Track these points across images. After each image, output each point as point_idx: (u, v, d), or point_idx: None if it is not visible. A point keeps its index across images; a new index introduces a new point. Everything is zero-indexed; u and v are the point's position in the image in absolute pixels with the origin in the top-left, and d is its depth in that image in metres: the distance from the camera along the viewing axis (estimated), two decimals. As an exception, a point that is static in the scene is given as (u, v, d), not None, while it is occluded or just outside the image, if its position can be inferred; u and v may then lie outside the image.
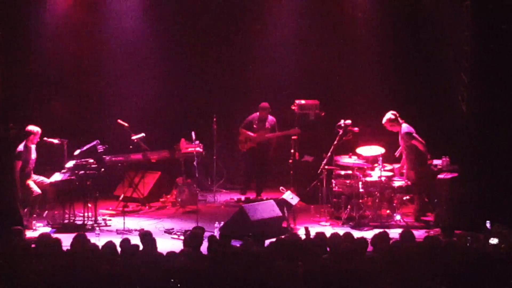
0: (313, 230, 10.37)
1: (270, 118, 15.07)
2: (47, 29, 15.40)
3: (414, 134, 12.94)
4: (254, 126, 15.04)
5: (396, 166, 13.28)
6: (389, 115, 13.07)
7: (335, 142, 13.40)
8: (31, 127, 12.99)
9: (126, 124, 14.51)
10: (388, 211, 12.85)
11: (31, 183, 12.89)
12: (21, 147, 12.82)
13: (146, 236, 9.15)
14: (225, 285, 7.68)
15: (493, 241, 9.23)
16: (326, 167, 13.33)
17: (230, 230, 11.54)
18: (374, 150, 13.09)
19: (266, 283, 7.61)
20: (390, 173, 13.00)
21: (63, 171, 13.09)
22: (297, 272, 7.74)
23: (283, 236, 9.59)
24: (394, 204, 12.81)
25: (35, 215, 12.68)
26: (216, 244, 8.83)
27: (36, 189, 12.86)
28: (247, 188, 15.39)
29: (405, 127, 13.01)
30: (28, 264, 8.15)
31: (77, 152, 13.10)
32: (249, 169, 15.41)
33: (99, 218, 13.17)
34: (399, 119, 13.05)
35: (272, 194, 14.57)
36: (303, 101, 15.33)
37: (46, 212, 13.07)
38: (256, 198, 14.85)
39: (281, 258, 8.07)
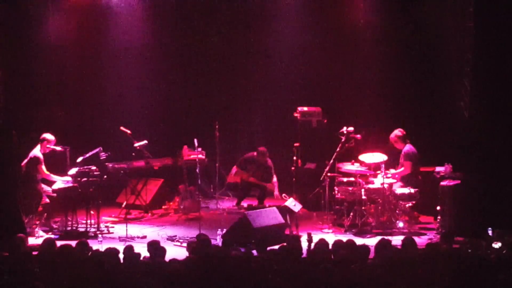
0: (316, 237, 10.36)
1: (269, 163, 15.04)
2: (49, 37, 15.45)
3: (411, 159, 12.95)
4: (248, 167, 15.02)
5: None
6: (397, 131, 13.13)
7: (338, 149, 13.39)
8: (46, 135, 13.05)
9: (128, 131, 14.52)
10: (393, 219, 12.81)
11: (40, 191, 12.93)
12: (37, 152, 12.86)
13: (155, 245, 9.14)
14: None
15: (496, 244, 9.22)
16: (328, 174, 13.33)
17: (233, 237, 11.54)
18: (376, 157, 13.08)
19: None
20: (393, 180, 13.00)
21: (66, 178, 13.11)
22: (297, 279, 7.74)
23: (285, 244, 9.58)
24: (397, 211, 12.79)
25: (37, 222, 12.68)
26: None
27: (45, 198, 12.89)
28: (242, 198, 15.32)
29: (408, 147, 13.04)
30: (32, 271, 8.16)
31: (79, 159, 13.12)
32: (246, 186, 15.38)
33: (102, 225, 13.16)
34: (405, 138, 13.08)
35: (274, 201, 14.57)
36: (305, 108, 15.33)
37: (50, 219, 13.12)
38: (258, 205, 14.82)
39: (281, 264, 8.08)
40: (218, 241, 11.64)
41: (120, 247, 9.23)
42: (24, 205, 12.53)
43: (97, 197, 13.06)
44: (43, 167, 12.85)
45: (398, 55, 15.40)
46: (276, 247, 9.25)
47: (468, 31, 12.51)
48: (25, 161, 12.91)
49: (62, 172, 13.24)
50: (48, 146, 13.08)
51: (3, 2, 13.16)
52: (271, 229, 11.98)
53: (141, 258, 8.86)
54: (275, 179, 15.07)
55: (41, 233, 12.56)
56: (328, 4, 16.19)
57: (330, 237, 11.73)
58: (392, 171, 13.09)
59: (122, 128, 14.57)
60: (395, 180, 13.00)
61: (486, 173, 12.01)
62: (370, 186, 12.95)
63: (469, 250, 8.91)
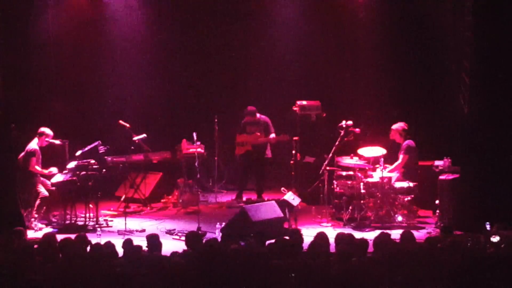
0: (315, 231, 10.36)
1: (263, 118, 15.01)
2: (49, 30, 15.44)
3: (409, 152, 12.98)
4: (247, 129, 14.98)
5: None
6: (403, 124, 13.15)
7: (337, 143, 13.41)
8: (45, 129, 13.07)
9: (127, 125, 14.54)
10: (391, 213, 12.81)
11: (39, 185, 12.95)
12: (34, 145, 12.90)
13: (153, 239, 9.15)
14: (223, 286, 7.70)
15: (495, 238, 9.22)
16: (327, 168, 13.33)
17: (232, 231, 11.55)
18: (375, 151, 13.10)
19: (264, 283, 7.64)
20: (392, 174, 13.01)
21: (65, 171, 13.12)
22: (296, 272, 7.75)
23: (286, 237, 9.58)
24: (396, 205, 12.79)
25: (36, 216, 12.69)
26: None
27: (44, 191, 12.91)
28: (243, 190, 15.32)
29: (409, 141, 13.08)
30: (31, 265, 8.16)
31: (78, 152, 13.12)
32: (247, 172, 15.33)
33: (101, 219, 13.17)
34: (408, 133, 13.11)
35: (273, 195, 14.58)
36: (304, 102, 15.32)
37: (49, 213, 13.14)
38: (257, 199, 14.83)
39: (281, 258, 8.09)
40: (217, 234, 11.65)
41: (119, 240, 9.24)
42: (23, 199, 12.56)
43: (96, 191, 13.07)
44: (34, 160, 12.84)
45: (398, 50, 15.40)
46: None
47: (467, 26, 12.48)
48: (22, 154, 12.92)
49: (61, 166, 13.26)
50: (46, 139, 13.10)
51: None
52: (270, 223, 11.98)
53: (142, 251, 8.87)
54: (273, 135, 14.97)
55: (39, 225, 12.57)
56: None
57: (329, 231, 11.73)
58: (388, 167, 13.09)
59: (121, 121, 14.59)
60: (393, 174, 13.00)
61: (485, 167, 12.00)
62: (369, 180, 12.96)
63: (468, 244, 8.91)
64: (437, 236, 10.38)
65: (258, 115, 14.97)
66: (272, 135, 14.87)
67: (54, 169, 13.14)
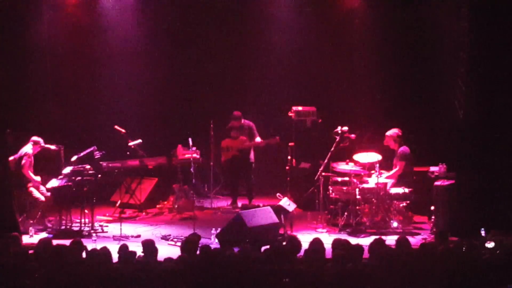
0: (310, 237, 10.36)
1: (247, 123, 15.02)
2: (45, 34, 15.43)
3: (405, 159, 13.00)
4: (231, 134, 14.99)
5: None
6: (397, 131, 13.15)
7: (332, 149, 13.42)
8: (39, 139, 13.10)
9: (123, 130, 14.53)
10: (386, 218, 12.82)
11: (33, 190, 12.95)
12: (29, 150, 12.91)
13: (148, 244, 9.14)
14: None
15: (490, 244, 9.22)
16: (323, 173, 13.34)
17: (227, 236, 11.53)
18: (371, 157, 13.10)
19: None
20: (388, 180, 13.01)
21: (60, 177, 13.10)
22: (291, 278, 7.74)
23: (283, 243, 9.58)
24: (391, 211, 12.80)
25: (32, 221, 12.67)
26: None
27: (40, 196, 12.92)
28: (236, 197, 15.32)
29: (404, 147, 13.08)
30: (26, 270, 8.14)
31: (74, 158, 13.11)
32: (237, 177, 15.33)
33: (96, 224, 13.15)
34: (402, 139, 13.12)
35: (269, 201, 14.56)
36: (300, 108, 15.33)
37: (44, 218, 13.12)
38: (249, 204, 14.80)
39: (276, 264, 8.09)
40: (212, 240, 11.64)
41: (114, 246, 9.22)
42: (18, 204, 12.53)
43: (91, 196, 13.05)
44: (28, 162, 12.91)
45: (393, 55, 15.42)
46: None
47: (463, 31, 12.50)
48: (13, 157, 12.92)
49: (57, 171, 13.25)
50: (41, 145, 13.12)
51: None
52: (266, 228, 11.97)
53: (136, 257, 8.85)
54: (258, 139, 14.99)
55: (33, 230, 12.54)
56: (323, 3, 16.20)
57: (324, 237, 11.73)
58: (386, 174, 13.10)
59: (116, 127, 14.59)
60: (389, 180, 13.00)
61: (480, 173, 12.01)
62: (365, 185, 12.96)
63: (463, 250, 8.91)
64: (432, 242, 10.39)
65: (242, 120, 14.99)
66: (258, 139, 14.89)
67: (38, 178, 13.17)
